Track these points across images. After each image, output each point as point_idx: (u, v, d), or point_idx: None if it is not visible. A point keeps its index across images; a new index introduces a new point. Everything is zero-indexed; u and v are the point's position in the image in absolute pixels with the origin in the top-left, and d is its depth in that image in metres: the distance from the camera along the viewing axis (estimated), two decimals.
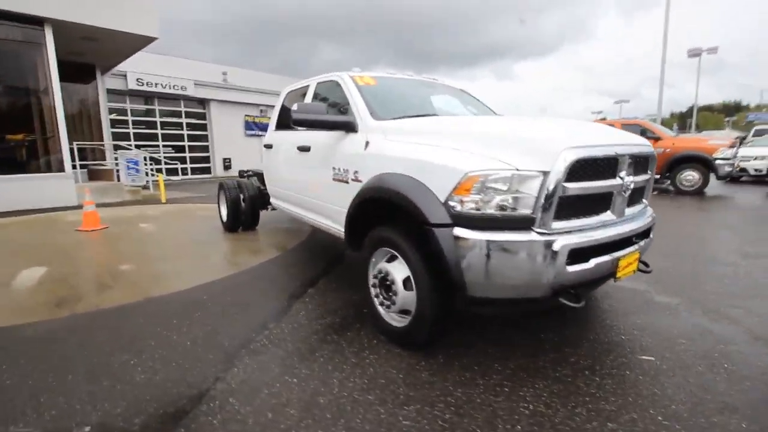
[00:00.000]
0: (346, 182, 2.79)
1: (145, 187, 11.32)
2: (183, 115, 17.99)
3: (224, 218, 5.85)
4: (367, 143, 2.59)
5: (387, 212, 2.39)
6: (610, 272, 2.11)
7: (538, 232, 1.88)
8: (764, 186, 10.10)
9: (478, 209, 1.91)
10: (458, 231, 1.92)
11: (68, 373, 2.16)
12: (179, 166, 15.26)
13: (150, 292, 3.33)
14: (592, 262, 1.99)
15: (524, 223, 1.89)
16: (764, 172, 10.32)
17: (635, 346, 2.29)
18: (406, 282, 2.22)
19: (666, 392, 1.87)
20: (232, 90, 18.93)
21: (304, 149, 3.40)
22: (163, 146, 17.40)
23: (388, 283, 2.30)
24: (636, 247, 2.23)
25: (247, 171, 6.80)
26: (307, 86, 3.73)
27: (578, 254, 1.93)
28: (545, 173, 1.85)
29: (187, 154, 18.40)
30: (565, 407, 1.79)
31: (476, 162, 1.92)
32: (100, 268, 4.10)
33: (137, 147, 14.91)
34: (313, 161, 3.27)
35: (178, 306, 3.04)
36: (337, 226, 3.07)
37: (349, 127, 2.82)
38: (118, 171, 11.54)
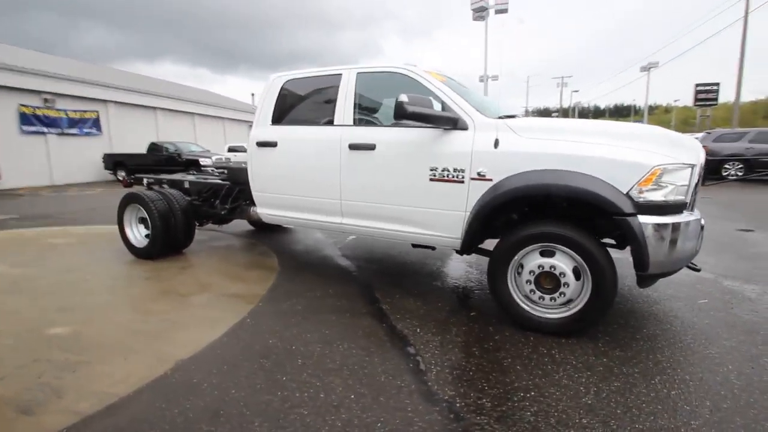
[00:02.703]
0: (459, 182, 2.64)
1: None
2: None
3: (137, 242, 4.37)
4: (497, 141, 2.54)
5: (539, 208, 2.43)
6: None
7: (690, 213, 2.33)
8: None
9: (653, 198, 2.22)
10: (643, 218, 2.19)
11: None
12: None
13: (169, 357, 2.29)
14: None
15: (682, 207, 2.30)
16: None
17: (694, 295, 3.07)
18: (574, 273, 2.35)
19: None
20: None
21: (364, 147, 2.96)
22: None
23: (556, 276, 2.37)
24: None
25: (142, 177, 5.19)
26: (335, 75, 3.22)
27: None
28: (693, 166, 2.31)
29: None
30: (715, 346, 2.31)
31: (656, 157, 2.22)
32: (15, 338, 2.50)
33: None
34: (387, 161, 2.90)
35: (249, 360, 2.23)
36: (428, 231, 2.84)
37: (456, 125, 2.67)
38: None
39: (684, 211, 2.32)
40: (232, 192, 4.36)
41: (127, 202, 4.35)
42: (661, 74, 75.98)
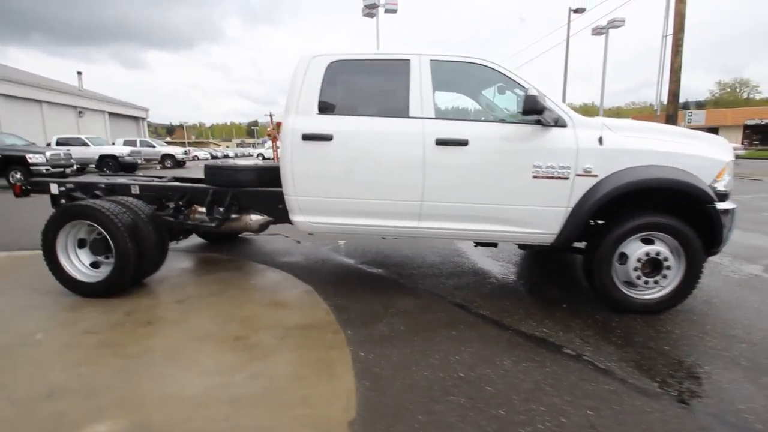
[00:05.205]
0: (564, 178, 2.68)
1: None
2: None
3: (83, 275, 3.14)
4: (601, 139, 2.66)
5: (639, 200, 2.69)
6: None
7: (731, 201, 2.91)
8: None
9: (719, 188, 2.70)
10: (719, 205, 2.66)
11: None
12: None
13: (332, 421, 1.76)
14: None
15: (728, 196, 2.86)
16: None
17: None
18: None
19: None
20: None
21: (456, 143, 2.71)
22: None
23: (658, 260, 2.65)
24: None
25: (47, 181, 3.68)
26: (401, 61, 2.82)
27: None
28: (732, 162, 2.89)
29: None
30: (750, 300, 2.97)
31: (725, 154, 2.69)
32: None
33: None
34: (484, 158, 2.71)
35: (436, 402, 1.89)
36: (525, 229, 2.80)
37: (557, 122, 2.69)
38: None
39: (728, 199, 2.88)
40: (222, 198, 3.45)
41: (65, 218, 3.01)
42: None
